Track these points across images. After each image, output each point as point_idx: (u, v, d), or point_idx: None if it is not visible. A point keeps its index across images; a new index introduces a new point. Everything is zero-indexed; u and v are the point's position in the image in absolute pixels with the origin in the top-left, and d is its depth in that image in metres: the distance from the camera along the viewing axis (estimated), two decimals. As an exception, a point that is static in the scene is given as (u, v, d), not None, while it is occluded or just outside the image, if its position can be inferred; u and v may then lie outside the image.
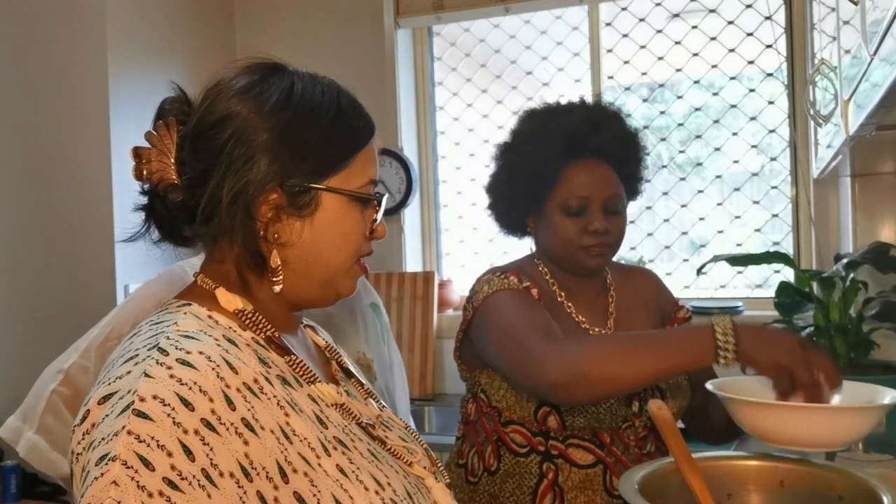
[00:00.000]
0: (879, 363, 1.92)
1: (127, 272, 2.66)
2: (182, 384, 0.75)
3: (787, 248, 2.85)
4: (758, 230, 2.92)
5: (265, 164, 0.86)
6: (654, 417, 1.26)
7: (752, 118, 2.92)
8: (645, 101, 3.09)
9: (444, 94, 3.35)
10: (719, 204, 2.96)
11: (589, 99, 1.57)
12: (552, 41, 3.17)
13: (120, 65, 2.74)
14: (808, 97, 1.94)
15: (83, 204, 2.72)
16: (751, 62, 2.90)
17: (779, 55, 2.77)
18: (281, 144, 0.87)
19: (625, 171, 1.52)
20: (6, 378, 2.40)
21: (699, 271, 2.17)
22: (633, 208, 1.54)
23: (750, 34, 2.89)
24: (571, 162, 1.47)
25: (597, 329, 1.52)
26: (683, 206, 3.00)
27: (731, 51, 2.91)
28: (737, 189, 2.96)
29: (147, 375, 0.76)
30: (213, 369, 0.78)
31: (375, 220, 0.95)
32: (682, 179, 3.02)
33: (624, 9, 3.04)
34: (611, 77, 3.10)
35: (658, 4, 2.99)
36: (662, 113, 3.05)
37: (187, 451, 0.72)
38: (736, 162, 2.95)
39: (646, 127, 2.99)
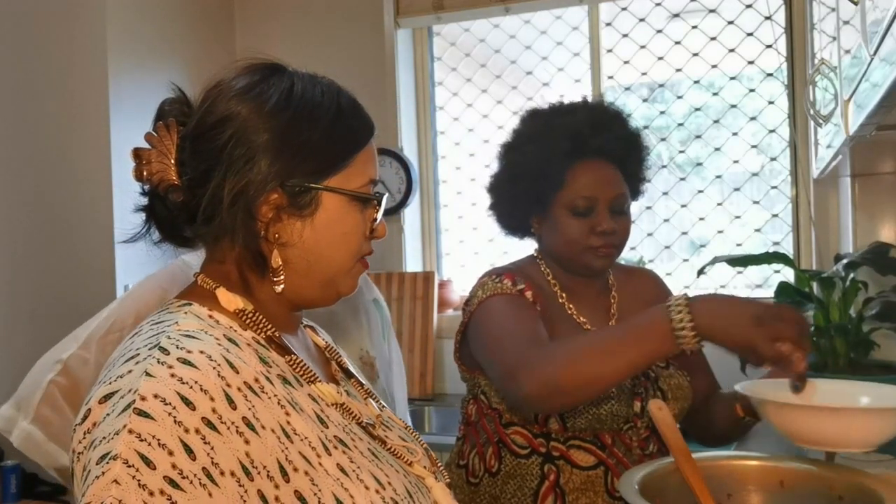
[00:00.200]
0: (879, 363, 1.92)
1: (127, 272, 2.66)
2: (183, 383, 0.76)
3: (787, 248, 2.85)
4: (758, 230, 2.92)
5: (266, 164, 0.87)
6: (655, 418, 1.26)
7: (752, 118, 2.92)
8: (645, 101, 3.09)
9: (444, 94, 3.35)
10: (719, 204, 2.96)
11: (591, 99, 1.57)
12: (552, 41, 3.17)
13: (120, 65, 2.74)
14: (808, 97, 1.94)
15: (83, 204, 2.72)
16: (751, 62, 2.90)
17: (779, 55, 2.77)
18: (281, 145, 0.87)
19: (628, 171, 1.52)
20: (6, 378, 2.40)
21: (700, 273, 2.17)
22: (633, 208, 1.54)
23: (750, 34, 2.89)
24: (577, 162, 1.46)
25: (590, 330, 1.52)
26: (683, 206, 3.00)
27: (731, 51, 2.91)
28: (737, 189, 2.96)
29: (148, 374, 0.76)
30: (214, 368, 0.78)
31: (376, 219, 0.95)
32: (682, 179, 3.02)
33: (624, 9, 3.04)
34: (611, 77, 3.10)
35: (658, 4, 2.99)
36: (662, 113, 3.05)
37: (188, 450, 0.73)
38: (736, 162, 2.95)
39: (646, 127, 2.99)
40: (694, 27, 2.96)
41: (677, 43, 2.99)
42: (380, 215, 0.95)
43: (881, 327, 1.92)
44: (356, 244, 0.93)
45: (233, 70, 0.93)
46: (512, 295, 1.44)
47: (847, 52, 1.53)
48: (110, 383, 0.78)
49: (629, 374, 1.30)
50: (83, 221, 2.71)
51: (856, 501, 1.13)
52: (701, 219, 2.99)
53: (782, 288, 2.15)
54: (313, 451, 0.82)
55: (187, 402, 0.74)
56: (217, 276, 0.91)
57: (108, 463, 0.71)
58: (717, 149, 2.97)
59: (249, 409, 0.79)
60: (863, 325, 1.94)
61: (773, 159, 2.91)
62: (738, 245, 2.93)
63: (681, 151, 3.04)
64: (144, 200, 0.93)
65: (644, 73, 3.05)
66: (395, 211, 3.13)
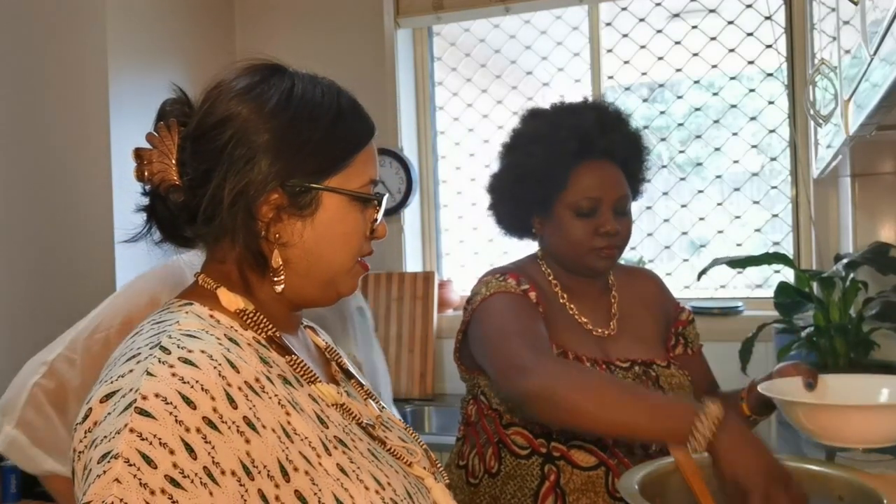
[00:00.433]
0: (879, 363, 1.92)
1: (127, 272, 2.65)
2: (184, 382, 0.76)
3: (787, 248, 2.85)
4: (758, 230, 2.92)
5: (266, 164, 0.87)
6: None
7: (752, 118, 2.92)
8: (645, 101, 3.09)
9: (444, 94, 3.35)
10: (719, 204, 2.96)
11: (594, 99, 1.57)
12: (552, 41, 3.17)
13: (120, 65, 2.74)
14: (808, 97, 1.94)
15: (83, 204, 2.72)
16: (751, 62, 2.90)
17: (779, 55, 2.77)
18: (281, 145, 0.88)
19: (630, 171, 1.52)
20: (6, 378, 2.40)
21: (700, 275, 2.17)
22: (633, 208, 1.55)
23: (750, 34, 2.89)
24: (581, 162, 1.46)
25: (600, 330, 1.52)
26: (683, 206, 3.00)
27: (731, 51, 2.91)
28: (737, 189, 2.96)
29: (149, 374, 0.76)
30: (215, 368, 0.79)
31: (376, 219, 0.95)
32: (682, 179, 3.02)
33: (624, 9, 3.04)
34: (611, 77, 3.10)
35: (658, 4, 2.99)
36: (662, 113, 3.05)
37: (189, 449, 0.73)
38: (736, 162, 2.95)
39: (646, 127, 3.00)
40: (694, 27, 2.96)
41: (677, 43, 2.98)
42: (380, 215, 0.95)
43: (881, 327, 1.92)
44: (356, 244, 0.93)
45: (233, 71, 0.93)
46: (516, 294, 1.44)
47: (847, 52, 1.53)
48: (111, 382, 0.78)
49: (621, 431, 1.23)
50: (83, 221, 2.71)
51: (856, 501, 1.13)
52: (701, 219, 2.99)
53: (782, 288, 2.15)
54: (313, 451, 0.82)
55: (188, 402, 0.75)
56: (218, 276, 0.92)
57: (109, 462, 0.71)
58: (717, 149, 2.97)
59: (250, 408, 0.79)
60: (863, 325, 1.94)
61: (773, 159, 2.91)
62: (738, 245, 2.93)
63: (681, 151, 3.04)
64: (145, 200, 0.93)
65: (644, 73, 3.05)
66: (395, 211, 3.13)
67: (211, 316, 0.87)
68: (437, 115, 3.35)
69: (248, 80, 0.91)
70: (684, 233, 3.02)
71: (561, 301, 1.52)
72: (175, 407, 0.74)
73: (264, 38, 3.30)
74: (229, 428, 0.76)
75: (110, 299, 1.44)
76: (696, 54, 2.96)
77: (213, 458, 0.74)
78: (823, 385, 1.27)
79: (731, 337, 2.15)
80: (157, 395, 0.74)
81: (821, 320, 2.01)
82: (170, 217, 0.91)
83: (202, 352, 0.80)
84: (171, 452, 0.72)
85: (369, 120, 0.96)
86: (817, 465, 1.23)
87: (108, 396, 0.77)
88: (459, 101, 3.32)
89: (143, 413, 0.73)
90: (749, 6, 2.88)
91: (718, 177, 2.98)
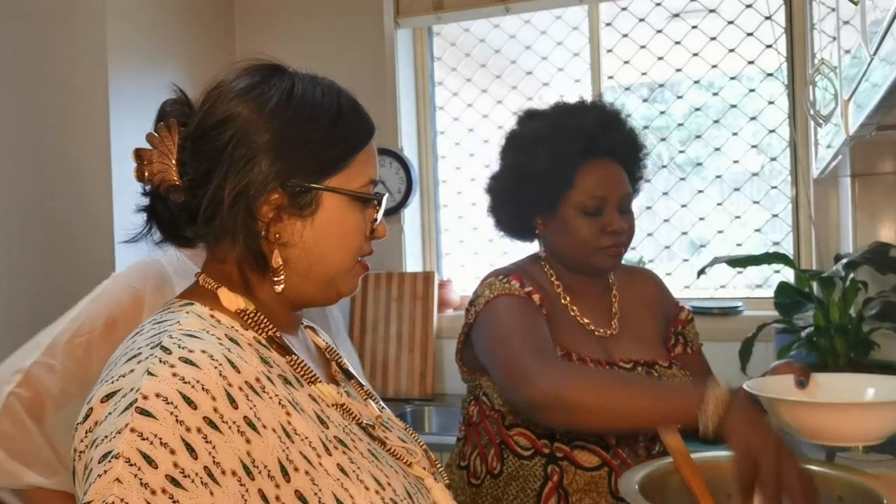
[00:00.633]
0: (879, 363, 1.92)
1: (127, 272, 2.65)
2: (185, 382, 0.76)
3: (787, 248, 2.85)
4: (758, 230, 2.92)
5: (266, 164, 0.87)
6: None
7: (752, 118, 2.92)
8: (645, 101, 3.09)
9: (444, 94, 3.35)
10: (719, 204, 2.96)
11: (593, 99, 1.57)
12: (552, 41, 3.17)
13: (120, 65, 2.74)
14: (808, 97, 1.94)
15: (83, 204, 2.72)
16: (751, 62, 2.90)
17: (779, 55, 2.77)
18: (282, 145, 0.88)
19: (630, 170, 1.53)
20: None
21: (700, 274, 2.17)
22: (633, 208, 1.55)
23: (750, 34, 2.89)
24: (586, 162, 1.47)
25: (602, 330, 1.52)
26: (683, 206, 3.00)
27: (731, 51, 2.91)
28: (737, 189, 2.96)
29: (150, 373, 0.76)
30: (216, 368, 0.79)
31: (376, 219, 0.95)
32: (682, 179, 3.02)
33: (624, 9, 3.04)
34: (611, 77, 3.10)
35: (658, 4, 2.99)
36: (662, 113, 3.05)
37: (190, 449, 0.73)
38: (736, 162, 2.95)
39: (646, 127, 3.00)
40: (694, 27, 2.96)
41: (677, 43, 2.98)
42: (380, 215, 0.96)
43: (881, 327, 1.92)
44: (356, 244, 0.94)
45: (233, 71, 0.93)
46: (520, 297, 1.44)
47: (847, 52, 1.53)
48: (112, 382, 0.78)
49: (635, 421, 1.25)
50: (83, 221, 2.71)
51: (856, 501, 1.13)
52: (701, 219, 2.99)
53: (782, 288, 2.16)
54: (314, 450, 0.82)
55: (189, 402, 0.75)
56: (218, 276, 0.92)
57: (110, 462, 0.71)
58: (717, 149, 2.97)
59: (251, 408, 0.79)
60: (863, 325, 1.94)
61: (773, 159, 2.91)
62: (738, 245, 2.93)
63: (681, 151, 3.04)
64: (145, 201, 0.93)
65: (644, 73, 3.05)
66: (395, 211, 3.13)
67: (212, 316, 0.87)
68: (437, 115, 3.35)
69: (249, 81, 0.91)
70: (684, 233, 3.02)
71: (563, 302, 1.52)
72: (176, 407, 0.74)
73: (264, 38, 3.30)
74: (230, 428, 0.76)
75: (88, 301, 1.37)
76: (696, 54, 2.96)
77: (213, 457, 0.74)
78: (815, 384, 1.27)
79: (731, 337, 2.16)
80: (157, 395, 0.74)
81: (821, 320, 2.01)
82: (170, 217, 0.92)
83: (203, 352, 0.80)
84: (172, 452, 0.72)
85: (369, 120, 0.96)
86: (817, 465, 1.23)
87: (109, 396, 0.77)
88: (459, 101, 3.32)
89: (144, 413, 0.73)
90: (749, 6, 2.88)
91: (718, 177, 2.98)
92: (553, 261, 1.55)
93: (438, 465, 1.02)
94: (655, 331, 1.57)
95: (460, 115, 3.32)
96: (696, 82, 2.99)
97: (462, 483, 1.51)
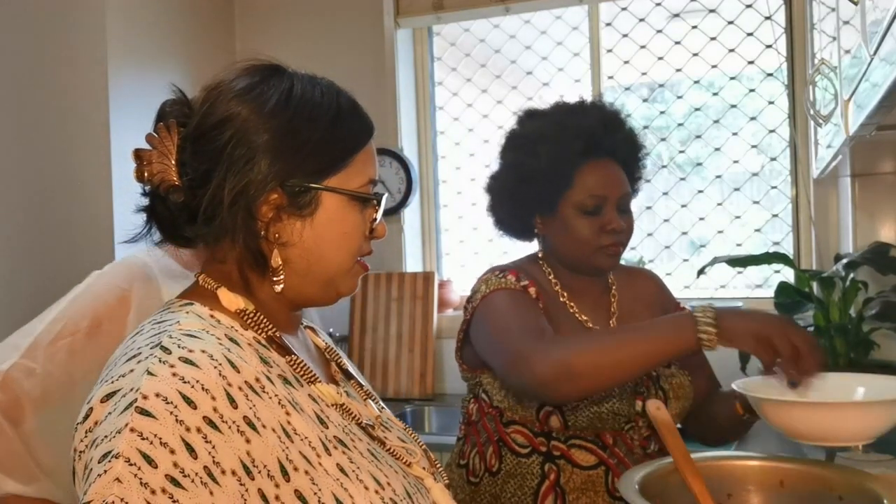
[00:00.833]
0: (879, 363, 1.92)
1: (127, 272, 2.65)
2: (185, 382, 0.76)
3: (787, 248, 2.85)
4: (758, 230, 2.92)
5: (266, 164, 0.87)
6: (653, 418, 1.27)
7: (752, 118, 2.92)
8: (645, 101, 3.09)
9: (444, 94, 3.35)
10: (719, 204, 2.96)
11: (593, 99, 1.57)
12: (552, 41, 3.17)
13: (120, 65, 2.74)
14: (808, 97, 1.94)
15: (83, 204, 2.72)
16: (751, 62, 2.90)
17: (779, 55, 2.77)
18: (281, 145, 0.88)
19: (629, 170, 1.53)
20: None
21: (700, 273, 2.17)
22: (633, 208, 1.55)
23: (750, 34, 2.89)
24: (586, 162, 1.47)
25: (599, 328, 1.52)
26: (683, 206, 3.00)
27: (731, 51, 2.91)
28: (737, 189, 2.96)
29: (150, 373, 0.76)
30: (216, 367, 0.79)
31: (375, 219, 0.95)
32: (682, 179, 3.02)
33: (624, 9, 3.04)
34: (611, 77, 3.10)
35: (658, 4, 2.99)
36: (662, 113, 3.05)
37: (190, 449, 0.73)
38: (736, 162, 2.95)
39: (646, 127, 3.00)
40: (694, 27, 2.96)
41: (677, 43, 2.98)
42: (379, 215, 0.96)
43: (881, 327, 1.92)
44: (356, 244, 0.94)
45: (233, 71, 0.93)
46: (516, 290, 1.45)
47: (847, 52, 1.53)
48: (112, 382, 0.78)
49: (644, 366, 1.30)
50: (83, 221, 2.71)
51: (856, 501, 1.13)
52: (701, 219, 2.99)
53: (782, 288, 2.16)
54: (313, 450, 0.82)
55: (189, 401, 0.75)
56: (218, 276, 0.92)
57: (110, 461, 0.71)
58: (717, 149, 2.97)
59: (250, 408, 0.79)
60: (863, 325, 1.95)
61: (773, 159, 2.91)
62: (738, 245, 2.93)
63: (681, 151, 3.04)
64: (145, 201, 0.93)
65: (644, 73, 3.05)
66: (395, 211, 3.13)
67: (211, 316, 0.87)
68: (437, 115, 3.35)
69: (248, 81, 0.91)
70: (684, 233, 3.02)
71: (561, 300, 1.52)
72: (176, 406, 0.74)
73: (264, 38, 3.30)
74: (230, 428, 0.76)
75: (69, 300, 1.31)
76: (696, 54, 2.96)
77: (213, 457, 0.74)
78: (808, 383, 1.27)
79: (731, 337, 2.15)
80: (157, 395, 0.74)
81: (821, 320, 2.01)
82: (170, 217, 0.92)
83: (203, 351, 0.80)
84: (172, 452, 0.72)
85: (368, 120, 0.96)
86: (817, 465, 1.23)
87: (109, 396, 0.77)
88: (459, 101, 3.32)
89: (144, 413, 0.73)
90: (749, 6, 2.88)
91: (718, 177, 2.98)
92: (552, 260, 1.55)
93: (438, 465, 1.02)
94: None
95: (460, 115, 3.32)
96: (696, 82, 2.99)
97: (461, 481, 1.52)
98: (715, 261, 2.16)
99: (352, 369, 1.07)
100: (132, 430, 0.72)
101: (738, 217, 2.94)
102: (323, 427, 0.86)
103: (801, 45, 2.74)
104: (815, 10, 2.27)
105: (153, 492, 0.70)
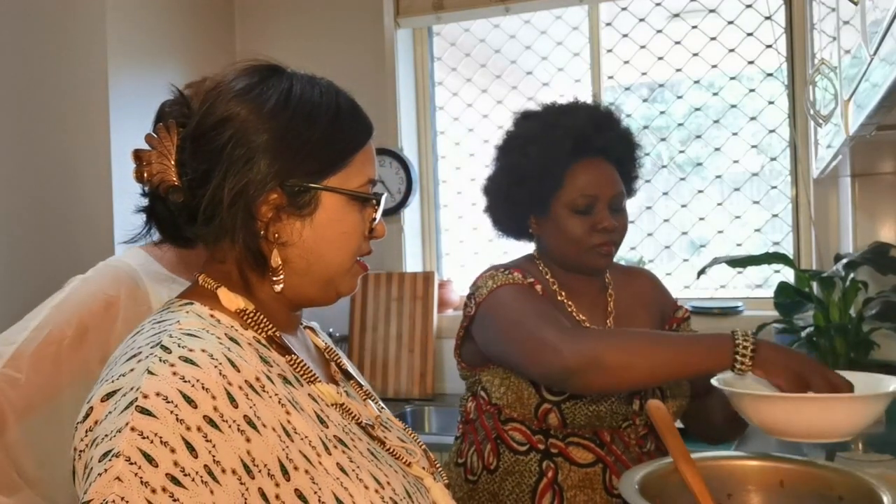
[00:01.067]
0: (879, 363, 1.92)
1: (127, 272, 2.65)
2: (185, 381, 0.76)
3: (787, 248, 2.85)
4: (758, 230, 2.92)
5: (265, 164, 0.87)
6: (653, 417, 1.27)
7: (752, 118, 2.92)
8: (645, 101, 3.09)
9: (444, 94, 3.35)
10: (719, 204, 2.96)
11: (586, 99, 1.58)
12: (552, 41, 3.17)
13: (120, 65, 2.74)
14: (808, 97, 1.94)
15: (83, 204, 2.72)
16: (751, 62, 2.90)
17: (779, 55, 2.77)
18: (280, 145, 0.88)
19: (624, 169, 1.53)
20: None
21: (700, 274, 2.17)
22: (633, 208, 1.55)
23: (750, 34, 2.89)
24: (577, 161, 1.47)
25: (597, 327, 1.52)
26: (683, 206, 3.00)
27: (731, 51, 2.91)
28: (737, 189, 2.96)
29: (150, 373, 0.76)
30: (216, 367, 0.79)
31: (374, 219, 0.96)
32: (682, 179, 3.02)
33: (624, 9, 3.04)
34: (611, 77, 3.10)
35: (658, 4, 2.99)
36: (662, 113, 3.05)
37: (190, 448, 0.73)
38: (736, 162, 2.95)
39: (646, 127, 3.00)
40: (694, 27, 2.96)
41: (677, 43, 2.98)
42: (378, 215, 0.96)
43: (881, 327, 1.92)
44: (355, 244, 0.94)
45: (232, 72, 0.93)
46: (523, 286, 1.45)
47: (847, 52, 1.53)
48: (112, 381, 0.78)
49: (673, 375, 1.31)
50: (83, 221, 2.71)
51: (856, 501, 1.13)
52: (701, 219, 2.99)
53: (782, 288, 2.16)
54: (313, 450, 0.82)
55: (189, 400, 0.75)
56: (218, 276, 0.92)
57: (110, 460, 0.71)
58: (717, 149, 2.97)
59: (251, 407, 0.79)
60: (863, 325, 1.95)
61: (773, 159, 2.91)
62: (738, 245, 2.93)
63: (681, 151, 3.04)
64: (145, 201, 0.93)
65: (644, 73, 3.05)
66: (395, 211, 3.13)
67: (211, 315, 0.87)
68: (437, 115, 3.35)
69: (247, 81, 0.91)
70: (684, 233, 3.02)
71: (559, 299, 1.52)
72: (176, 405, 0.74)
73: (264, 38, 3.30)
74: (230, 427, 0.76)
75: (53, 307, 1.28)
76: (696, 54, 2.96)
77: (213, 456, 0.74)
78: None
79: (731, 337, 2.15)
80: (158, 394, 0.74)
81: (821, 320, 2.01)
82: (169, 218, 0.92)
83: (203, 351, 0.80)
84: (172, 451, 0.72)
85: (367, 120, 0.96)
86: (817, 466, 1.23)
87: (109, 395, 0.77)
88: (459, 101, 3.32)
89: (144, 412, 0.73)
90: (749, 6, 2.88)
91: (718, 177, 2.98)
92: (548, 260, 1.56)
93: (437, 465, 1.02)
94: (651, 329, 1.57)
95: (460, 115, 3.32)
96: (696, 82, 2.99)
97: (459, 480, 1.52)
98: (715, 261, 2.16)
99: (351, 369, 1.07)
100: (133, 428, 0.72)
101: (738, 217, 2.94)
102: (323, 426, 0.86)
103: (801, 45, 2.74)
104: (815, 10, 2.27)
105: (154, 491, 0.70)
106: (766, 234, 2.92)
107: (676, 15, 2.99)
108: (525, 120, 1.56)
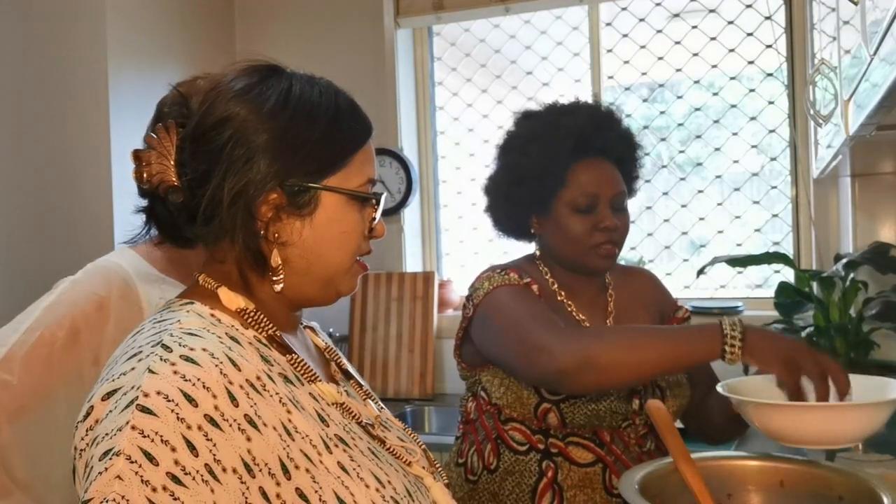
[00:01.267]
0: (879, 363, 1.92)
1: (127, 272, 2.65)
2: (186, 380, 0.76)
3: (787, 248, 2.85)
4: (758, 230, 2.92)
5: (265, 164, 0.87)
6: (653, 417, 1.27)
7: (752, 118, 2.92)
8: (645, 101, 3.09)
9: (444, 94, 3.35)
10: (719, 204, 2.96)
11: (586, 99, 1.58)
12: (552, 41, 3.17)
13: (120, 65, 2.74)
14: (808, 97, 1.94)
15: (83, 204, 2.72)
16: (751, 62, 2.90)
17: (779, 55, 2.77)
18: (280, 145, 0.88)
19: (625, 169, 1.53)
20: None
21: (699, 273, 2.17)
22: (633, 208, 1.55)
23: (750, 34, 2.89)
24: (578, 161, 1.47)
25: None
26: (683, 206, 3.00)
27: (731, 51, 2.91)
28: (737, 189, 2.96)
29: (151, 372, 0.76)
30: (217, 366, 0.79)
31: (374, 218, 0.96)
32: (682, 179, 3.02)
33: (624, 9, 3.04)
34: (611, 77, 3.10)
35: (658, 4, 2.99)
36: (662, 113, 3.05)
37: (191, 447, 0.73)
38: (736, 162, 2.95)
39: (646, 127, 3.00)
40: (694, 27, 2.96)
41: (677, 43, 2.98)
42: (378, 214, 0.96)
43: (881, 327, 1.92)
44: (355, 243, 0.94)
45: (231, 72, 0.93)
46: (520, 287, 1.45)
47: (847, 52, 1.53)
48: (113, 380, 0.78)
49: (666, 368, 1.32)
50: (83, 221, 2.71)
51: (856, 501, 1.13)
52: (701, 219, 2.99)
53: (782, 288, 2.16)
54: (314, 448, 0.82)
55: (190, 399, 0.75)
56: (218, 276, 0.92)
57: (111, 459, 0.72)
58: (717, 149, 2.97)
59: (251, 406, 0.79)
60: (863, 325, 1.95)
61: (773, 159, 2.91)
62: (738, 245, 2.93)
63: (681, 151, 3.04)
64: (145, 202, 0.93)
65: (644, 73, 3.05)
66: (395, 211, 3.13)
67: (212, 315, 0.87)
68: (437, 115, 3.35)
69: (247, 81, 0.91)
70: (684, 233, 3.02)
71: (559, 299, 1.52)
72: (177, 404, 0.74)
73: (264, 38, 3.30)
74: (231, 426, 0.76)
75: (43, 308, 1.26)
76: (696, 54, 2.96)
77: (214, 455, 0.74)
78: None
79: (731, 337, 2.15)
80: (158, 393, 0.75)
81: (821, 320, 2.01)
82: (169, 218, 0.92)
83: (204, 350, 0.80)
84: (173, 450, 0.72)
85: (367, 120, 0.96)
86: (817, 466, 1.23)
87: (110, 394, 0.77)
88: (459, 101, 3.32)
89: (145, 410, 0.73)
90: (749, 6, 2.88)
91: (718, 177, 2.98)
92: (549, 260, 1.55)
93: (437, 465, 1.02)
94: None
95: (460, 116, 3.32)
96: (696, 82, 2.99)
97: (459, 480, 1.52)
98: (715, 261, 2.15)
99: (351, 370, 1.07)
100: (133, 427, 0.72)
101: (738, 217, 2.94)
102: (324, 425, 0.86)
103: (801, 45, 2.74)
104: (815, 10, 2.27)
105: (154, 489, 0.71)
106: (766, 234, 2.92)
107: (676, 15, 2.99)
108: (526, 119, 1.56)
